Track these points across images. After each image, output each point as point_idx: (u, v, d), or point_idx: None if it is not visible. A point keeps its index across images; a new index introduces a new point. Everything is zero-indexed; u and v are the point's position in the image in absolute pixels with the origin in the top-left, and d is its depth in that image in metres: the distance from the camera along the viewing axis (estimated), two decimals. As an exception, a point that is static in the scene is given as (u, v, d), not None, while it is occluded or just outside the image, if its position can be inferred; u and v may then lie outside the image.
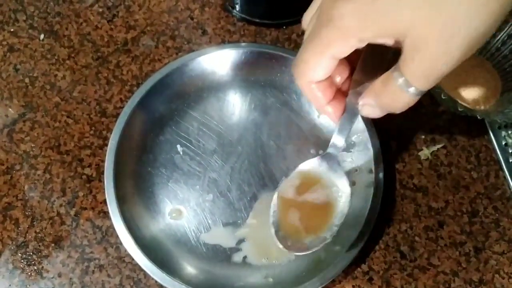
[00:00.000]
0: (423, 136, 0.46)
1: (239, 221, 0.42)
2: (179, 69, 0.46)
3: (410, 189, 0.44)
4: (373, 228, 0.40)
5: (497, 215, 0.43)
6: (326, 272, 0.38)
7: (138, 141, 0.44)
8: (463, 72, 0.46)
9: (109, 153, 0.42)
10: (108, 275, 0.41)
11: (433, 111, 0.47)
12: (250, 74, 0.47)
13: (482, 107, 0.45)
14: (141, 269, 0.39)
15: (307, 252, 0.34)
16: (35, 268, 0.41)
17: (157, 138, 0.45)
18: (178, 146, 0.45)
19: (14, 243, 0.42)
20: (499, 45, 0.45)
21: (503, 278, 0.41)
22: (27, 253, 0.42)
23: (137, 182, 0.43)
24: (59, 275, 0.41)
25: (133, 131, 0.44)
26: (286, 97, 0.47)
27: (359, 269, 0.41)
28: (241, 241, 0.42)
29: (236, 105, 0.47)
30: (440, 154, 0.45)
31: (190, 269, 0.40)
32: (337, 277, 0.40)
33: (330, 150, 0.35)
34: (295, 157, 0.45)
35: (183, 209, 0.43)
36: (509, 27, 0.44)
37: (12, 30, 0.51)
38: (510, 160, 0.44)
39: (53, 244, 0.42)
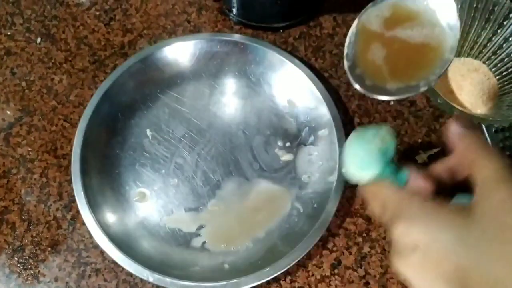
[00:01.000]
0: (419, 140, 0.46)
1: (201, 207, 0.43)
2: (154, 54, 0.47)
3: (407, 193, 0.44)
4: (368, 232, 0.40)
5: (493, 219, 0.43)
6: (280, 261, 0.38)
7: (109, 123, 0.45)
8: (459, 75, 0.46)
9: (78, 133, 0.43)
10: (105, 279, 0.41)
11: (430, 114, 0.47)
12: (224, 63, 0.48)
13: (479, 111, 0.45)
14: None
15: (391, 98, 0.29)
16: (32, 272, 0.41)
17: (127, 121, 0.46)
18: (148, 130, 0.46)
19: (10, 247, 0.42)
20: (496, 49, 0.45)
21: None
22: (24, 257, 0.42)
23: (105, 164, 0.44)
24: (56, 279, 0.41)
25: (104, 113, 0.45)
26: (258, 88, 0.48)
27: (355, 273, 0.41)
28: (201, 226, 0.42)
29: (208, 94, 0.48)
30: (437, 157, 0.45)
31: (148, 250, 0.41)
32: (325, 277, 0.40)
33: None
34: (262, 148, 0.45)
35: (147, 192, 0.44)
36: (505, 31, 0.44)
37: (9, 33, 0.51)
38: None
39: (49, 248, 0.42)
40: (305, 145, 0.45)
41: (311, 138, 0.45)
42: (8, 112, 0.47)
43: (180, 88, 0.48)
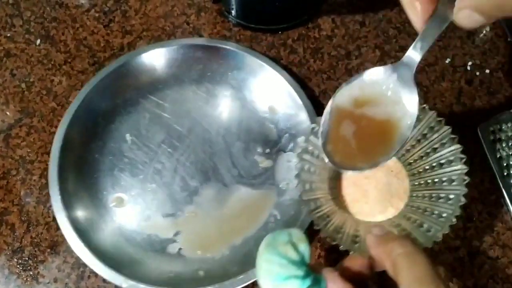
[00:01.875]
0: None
1: (178, 213, 0.43)
2: (136, 59, 0.47)
3: (405, 194, 0.44)
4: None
5: (491, 220, 0.43)
6: (254, 269, 0.38)
7: (89, 127, 0.45)
8: (363, 178, 0.39)
9: (56, 137, 0.43)
10: (104, 280, 0.41)
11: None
12: (206, 69, 0.48)
13: (389, 216, 0.38)
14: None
15: (356, 172, 0.32)
16: (31, 273, 0.41)
17: (108, 126, 0.46)
18: (128, 135, 0.46)
19: (10, 248, 0.42)
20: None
21: (497, 283, 0.41)
22: (23, 258, 0.42)
23: (83, 168, 0.44)
24: (55, 280, 0.41)
25: (84, 118, 0.45)
26: (239, 94, 0.48)
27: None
28: (178, 232, 0.42)
29: (189, 99, 0.48)
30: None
31: (123, 256, 0.41)
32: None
33: (405, 59, 0.30)
34: (241, 154, 0.45)
35: (125, 197, 0.44)
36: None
37: (8, 35, 0.51)
38: (505, 174, 0.44)
39: (49, 249, 0.42)
40: (285, 151, 0.45)
41: (291, 145, 0.45)
42: (8, 113, 0.47)
43: (162, 93, 0.48)
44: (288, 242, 0.30)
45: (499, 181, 0.44)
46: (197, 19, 0.52)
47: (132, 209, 0.43)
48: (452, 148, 0.37)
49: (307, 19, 0.52)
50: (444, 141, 0.37)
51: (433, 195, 0.37)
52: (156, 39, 0.51)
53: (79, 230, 0.40)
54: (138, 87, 0.47)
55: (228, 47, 0.47)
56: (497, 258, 0.42)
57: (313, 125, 0.38)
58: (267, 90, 0.47)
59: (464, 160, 0.36)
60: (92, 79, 0.46)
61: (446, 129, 0.37)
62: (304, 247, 0.30)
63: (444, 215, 0.35)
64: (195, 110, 0.47)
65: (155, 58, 0.47)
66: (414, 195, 0.38)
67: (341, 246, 0.34)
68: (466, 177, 0.36)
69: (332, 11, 0.53)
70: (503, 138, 0.45)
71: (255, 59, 0.47)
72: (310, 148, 0.38)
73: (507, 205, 0.43)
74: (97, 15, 0.52)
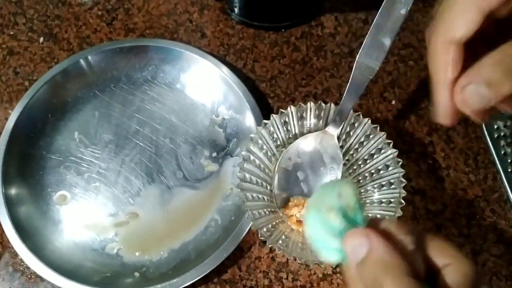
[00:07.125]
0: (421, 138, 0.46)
1: (120, 213, 0.43)
2: (88, 58, 0.47)
3: (408, 192, 0.44)
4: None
5: (494, 217, 0.43)
6: (188, 273, 0.38)
7: (38, 124, 0.45)
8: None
9: (4, 133, 0.43)
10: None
11: (431, 113, 0.47)
12: (159, 70, 0.48)
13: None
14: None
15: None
16: (35, 270, 0.41)
17: (57, 122, 0.46)
18: (76, 133, 0.46)
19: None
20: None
21: (501, 280, 0.41)
22: (27, 256, 0.42)
23: (29, 164, 0.44)
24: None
25: (33, 114, 0.45)
26: (189, 97, 0.48)
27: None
28: (118, 233, 0.42)
29: (139, 100, 0.48)
30: (438, 156, 0.45)
31: (59, 254, 0.41)
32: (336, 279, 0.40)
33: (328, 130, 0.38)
34: (187, 156, 0.45)
35: (68, 196, 0.44)
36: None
37: (11, 33, 0.51)
38: (509, 170, 0.44)
39: None
40: (232, 156, 0.45)
41: (238, 149, 0.45)
42: (11, 111, 0.47)
43: (112, 92, 0.48)
44: (334, 207, 0.23)
45: (503, 177, 0.44)
46: (200, 17, 0.52)
47: (74, 207, 0.43)
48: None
49: (310, 17, 0.52)
50: (368, 133, 0.39)
51: (372, 171, 0.39)
52: (159, 37, 0.51)
53: (17, 223, 0.40)
54: (89, 85, 0.47)
55: (179, 48, 0.47)
56: (500, 255, 0.42)
57: (253, 135, 0.39)
58: (216, 93, 0.47)
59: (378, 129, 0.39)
60: (44, 75, 0.46)
61: (366, 121, 0.39)
62: (354, 200, 0.24)
63: (393, 181, 0.37)
64: (144, 111, 0.47)
65: (108, 58, 0.47)
66: (355, 181, 0.40)
67: (288, 255, 0.34)
68: (390, 140, 0.38)
69: (335, 9, 0.53)
70: (508, 134, 0.45)
71: (206, 62, 0.47)
72: (252, 158, 0.38)
73: (510, 202, 0.43)
74: (100, 13, 0.52)
